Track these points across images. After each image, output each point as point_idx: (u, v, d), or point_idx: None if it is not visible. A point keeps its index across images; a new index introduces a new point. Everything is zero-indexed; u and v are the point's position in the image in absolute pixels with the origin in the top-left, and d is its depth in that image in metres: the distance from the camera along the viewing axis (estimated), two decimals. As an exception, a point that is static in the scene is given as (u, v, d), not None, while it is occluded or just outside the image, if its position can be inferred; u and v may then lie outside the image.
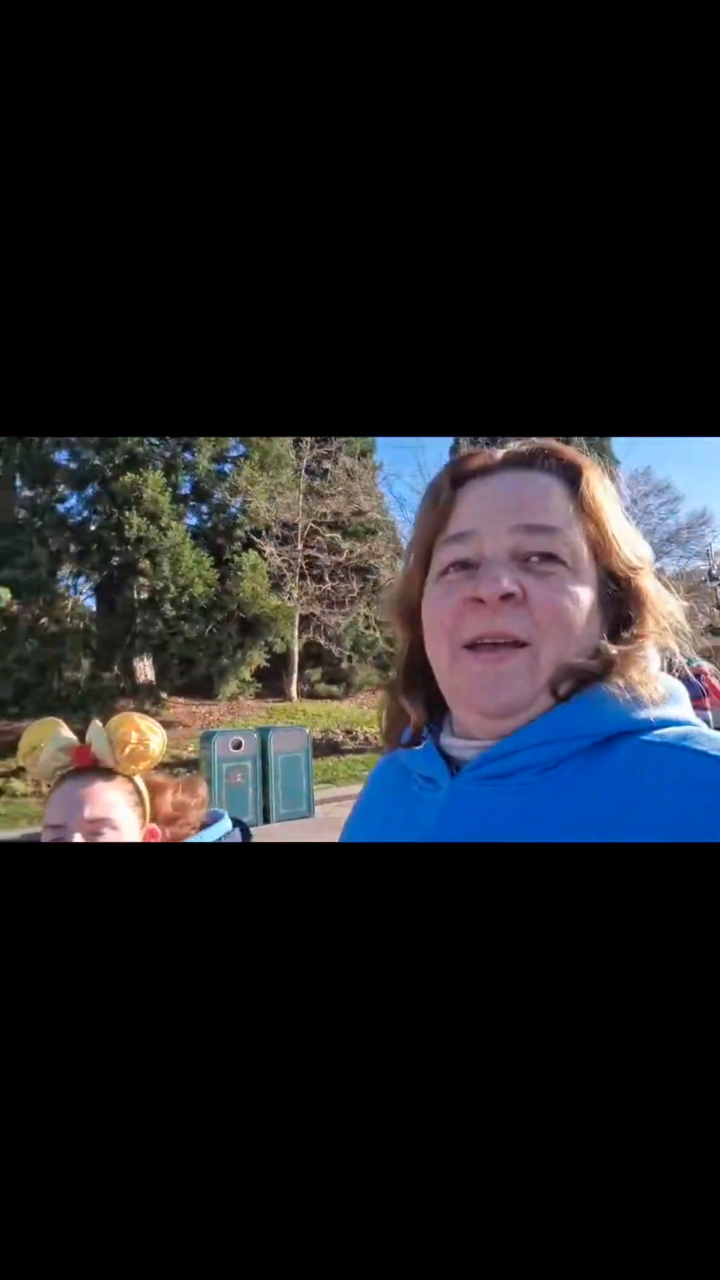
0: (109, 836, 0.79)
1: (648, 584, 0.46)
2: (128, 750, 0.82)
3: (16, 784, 7.76)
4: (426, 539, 0.48)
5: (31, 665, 9.93)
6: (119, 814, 0.81)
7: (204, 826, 0.88)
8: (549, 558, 0.43)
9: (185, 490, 11.63)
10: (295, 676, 11.92)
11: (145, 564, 10.38)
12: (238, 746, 6.70)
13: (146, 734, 0.83)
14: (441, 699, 0.49)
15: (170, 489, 10.79)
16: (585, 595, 0.43)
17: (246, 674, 11.46)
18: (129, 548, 10.29)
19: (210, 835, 0.87)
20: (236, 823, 0.92)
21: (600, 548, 0.44)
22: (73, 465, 10.99)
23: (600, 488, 0.45)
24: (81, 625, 10.78)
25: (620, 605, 0.45)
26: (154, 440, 10.84)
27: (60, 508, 11.09)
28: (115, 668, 10.82)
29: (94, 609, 11.50)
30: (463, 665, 0.43)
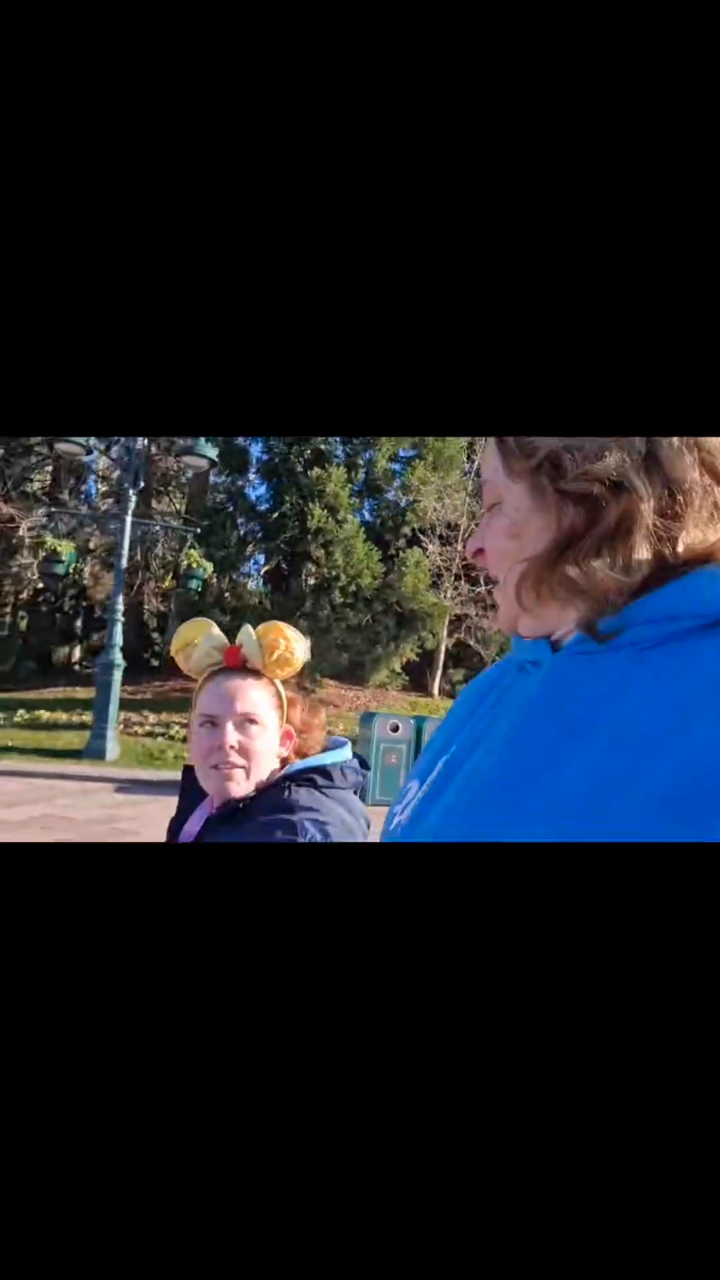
0: (255, 731, 0.89)
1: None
2: (275, 655, 0.90)
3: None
4: None
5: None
6: (264, 712, 0.90)
7: (325, 750, 0.96)
8: (492, 507, 0.47)
9: (359, 487, 12.41)
10: (440, 674, 12.31)
11: (320, 553, 11.28)
12: (395, 730, 7.22)
13: (292, 641, 0.91)
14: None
15: (349, 484, 11.61)
16: (529, 523, 0.44)
17: (396, 665, 12.05)
18: (309, 536, 11.23)
19: (331, 758, 0.93)
20: (357, 756, 0.97)
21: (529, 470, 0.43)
22: (264, 456, 12.17)
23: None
24: (256, 602, 11.92)
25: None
26: (338, 439, 11.71)
27: (250, 494, 12.34)
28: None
29: (267, 589, 12.66)
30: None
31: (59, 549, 8.03)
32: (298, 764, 0.91)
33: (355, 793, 0.93)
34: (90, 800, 6.09)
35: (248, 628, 0.91)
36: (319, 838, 0.82)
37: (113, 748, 8.02)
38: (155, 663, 12.64)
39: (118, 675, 8.07)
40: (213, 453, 8.39)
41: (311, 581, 11.58)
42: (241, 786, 0.87)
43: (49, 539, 8.53)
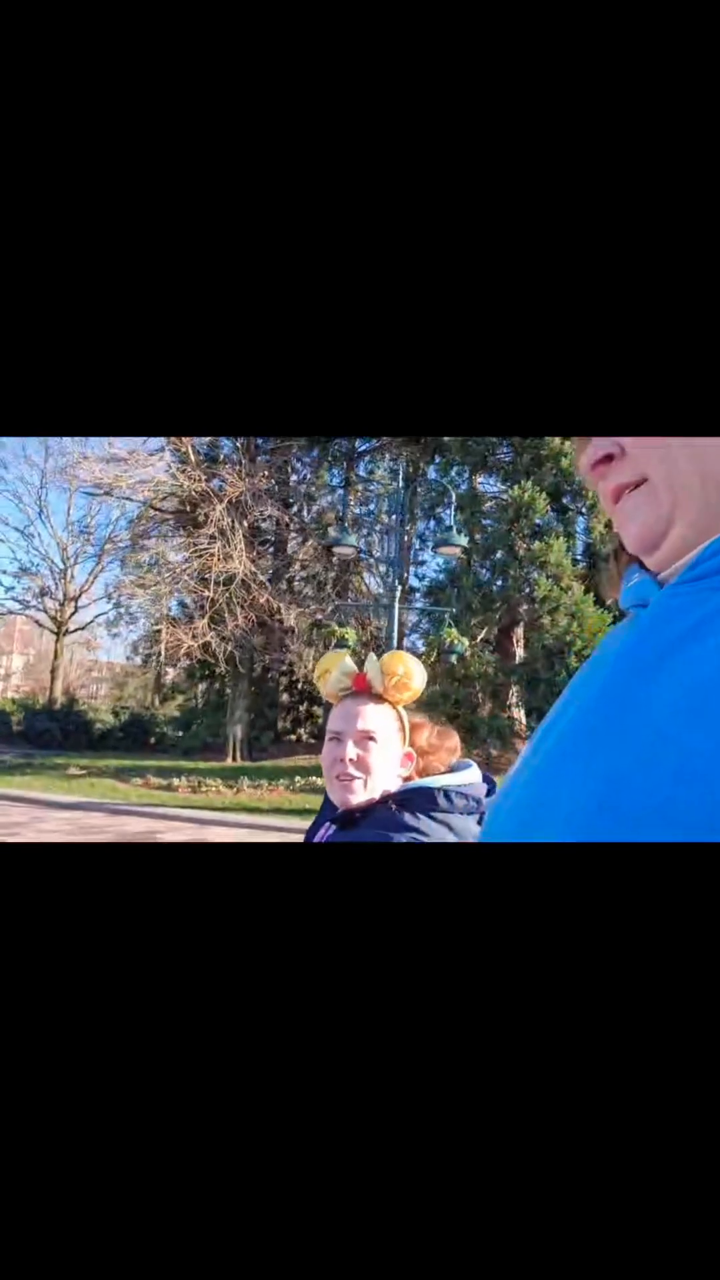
0: (372, 747, 0.97)
1: None
2: (394, 680, 0.98)
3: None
4: None
5: (450, 702, 12.28)
6: (383, 732, 0.98)
7: (451, 770, 1.01)
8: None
9: (578, 553, 13.09)
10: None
11: (547, 619, 12.02)
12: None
13: (411, 669, 0.99)
14: None
15: (569, 553, 12.34)
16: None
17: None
18: (536, 605, 12.07)
19: (441, 781, 0.98)
20: (487, 779, 1.00)
21: None
22: (478, 538, 13.39)
23: None
24: (485, 670, 12.86)
25: None
26: (554, 513, 12.59)
27: (479, 571, 13.56)
28: (510, 708, 12.61)
29: (495, 658, 13.59)
30: (615, 510, 0.44)
31: (346, 635, 9.67)
32: (407, 785, 0.98)
33: (474, 816, 0.97)
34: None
35: (373, 656, 1.02)
36: None
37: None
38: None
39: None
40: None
41: (546, 643, 12.31)
42: (358, 796, 0.96)
43: (335, 627, 10.32)
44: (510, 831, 0.39)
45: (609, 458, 0.42)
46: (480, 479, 13.74)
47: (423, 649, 11.00)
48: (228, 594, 11.72)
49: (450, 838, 0.92)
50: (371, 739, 0.97)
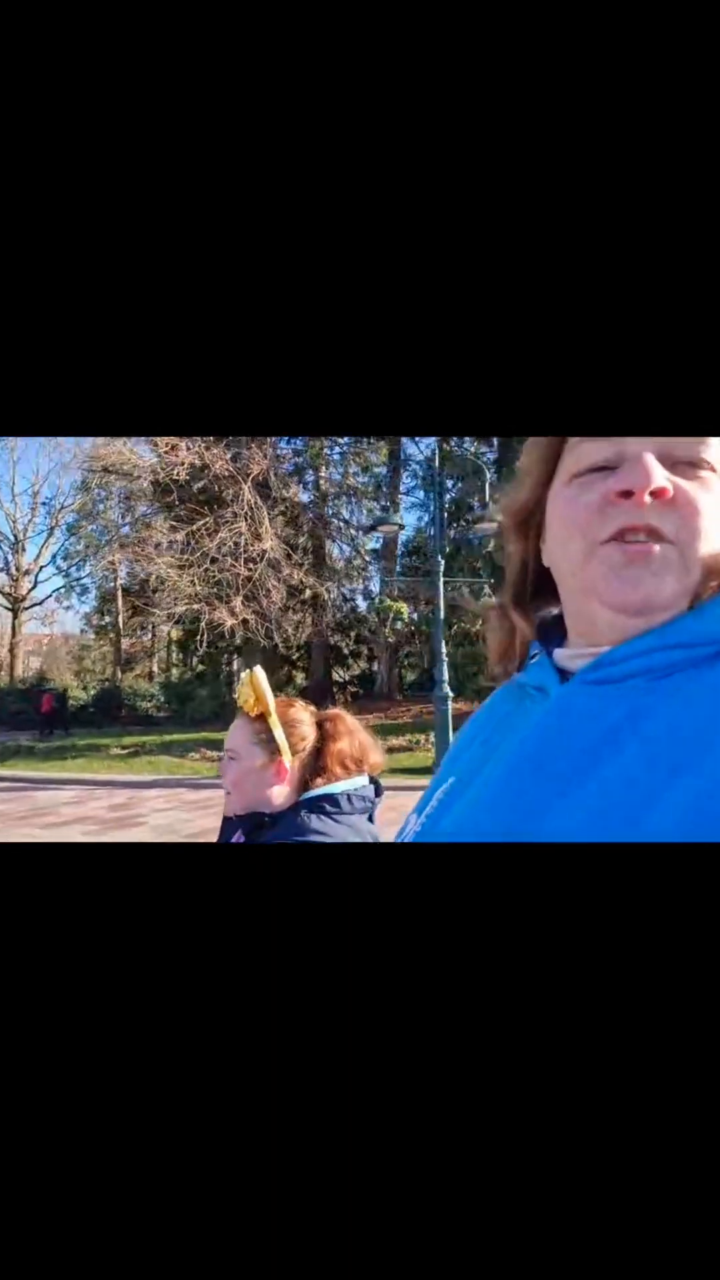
0: (232, 764, 1.04)
1: None
2: (240, 698, 1.05)
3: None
4: (552, 446, 0.45)
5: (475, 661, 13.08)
6: (242, 747, 1.03)
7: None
8: (695, 463, 0.40)
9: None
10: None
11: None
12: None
13: (249, 689, 1.04)
14: (547, 624, 0.50)
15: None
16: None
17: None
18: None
19: (340, 786, 1.01)
20: (373, 781, 1.05)
21: None
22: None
23: None
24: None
25: None
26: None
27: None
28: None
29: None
30: (600, 558, 0.41)
31: (400, 609, 10.24)
32: (310, 793, 1.01)
33: (367, 816, 1.03)
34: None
35: (243, 674, 1.07)
36: None
37: (456, 763, 10.03)
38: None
39: (448, 706, 10.05)
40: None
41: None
42: (230, 808, 1.04)
43: (389, 602, 10.86)
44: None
45: (661, 492, 0.39)
46: (481, 449, 14.28)
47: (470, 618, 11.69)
48: (258, 571, 12.02)
49: (351, 836, 0.98)
50: (232, 756, 1.04)
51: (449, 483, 10.14)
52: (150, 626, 23.68)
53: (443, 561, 10.38)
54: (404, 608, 10.32)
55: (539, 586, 0.51)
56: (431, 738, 10.98)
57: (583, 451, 0.43)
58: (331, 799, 1.00)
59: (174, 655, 23.01)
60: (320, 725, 1.07)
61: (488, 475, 10.54)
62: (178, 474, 11.39)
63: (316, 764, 1.04)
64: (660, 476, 0.40)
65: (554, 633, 0.50)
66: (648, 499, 0.40)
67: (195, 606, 11.64)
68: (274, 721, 1.03)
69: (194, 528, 11.87)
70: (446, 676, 10.12)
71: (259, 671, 1.06)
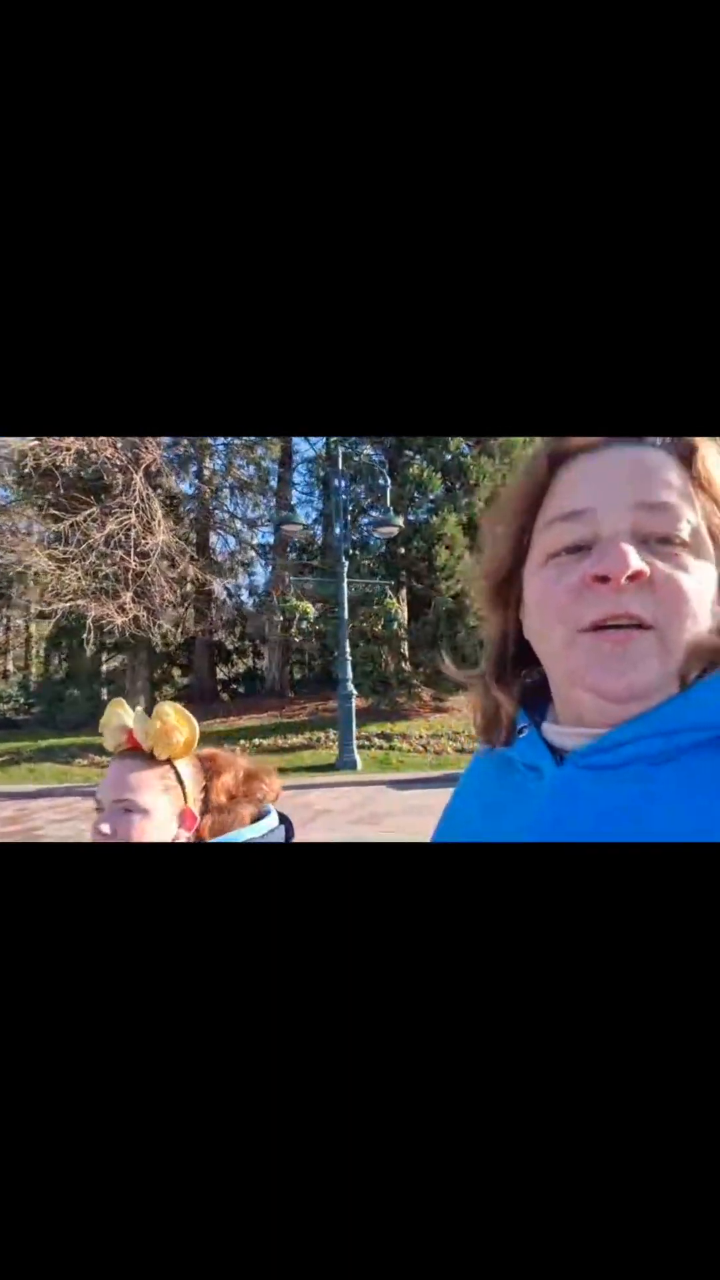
0: (135, 818, 0.85)
1: None
2: (154, 736, 0.88)
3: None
4: (521, 518, 0.46)
5: (373, 662, 13.52)
6: (148, 797, 0.87)
7: (253, 822, 0.91)
8: (669, 539, 0.40)
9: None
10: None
11: (444, 585, 13.67)
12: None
13: (174, 724, 0.88)
14: (533, 689, 0.49)
15: (459, 525, 14.03)
16: (709, 577, 0.41)
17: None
18: (437, 575, 13.62)
19: (247, 833, 0.90)
20: (283, 819, 0.95)
21: (718, 528, 0.41)
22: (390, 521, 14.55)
23: (717, 464, 0.42)
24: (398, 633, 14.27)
25: None
26: (444, 489, 14.14)
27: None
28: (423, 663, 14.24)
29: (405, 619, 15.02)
30: (583, 647, 0.41)
31: (306, 610, 10.30)
32: (220, 838, 0.89)
33: None
34: (344, 797, 8.22)
35: (139, 710, 0.92)
36: None
37: (359, 761, 10.32)
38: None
39: (353, 703, 10.35)
40: (400, 521, 10.75)
41: (447, 607, 13.98)
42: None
43: (293, 601, 10.82)
44: None
45: (638, 575, 0.39)
46: (370, 451, 14.75)
47: (369, 618, 12.02)
48: (148, 566, 11.49)
49: None
50: (129, 809, 0.87)
51: (339, 483, 10.41)
52: (5, 621, 21.66)
53: (346, 562, 10.64)
54: (309, 608, 10.45)
55: (520, 660, 0.50)
56: (331, 734, 11.21)
57: (558, 531, 0.43)
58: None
59: (35, 654, 21.22)
60: (201, 765, 0.96)
61: (385, 479, 10.95)
62: (62, 460, 10.56)
63: (206, 805, 0.93)
64: (635, 560, 0.39)
65: (539, 701, 0.49)
66: (625, 582, 0.40)
67: (80, 602, 10.88)
68: (183, 763, 0.91)
69: (79, 518, 11.07)
70: (350, 675, 10.40)
71: (178, 705, 0.91)
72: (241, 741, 11.61)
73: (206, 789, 0.94)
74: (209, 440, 14.51)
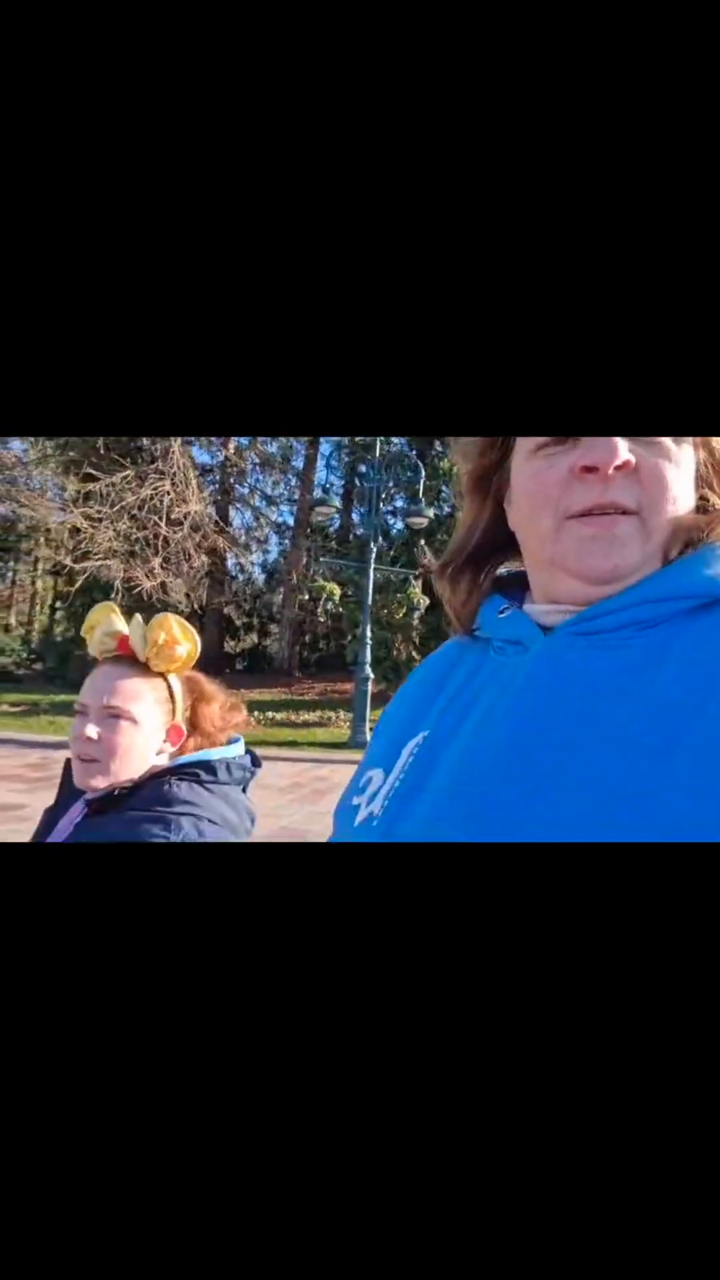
0: (122, 726, 0.85)
1: None
2: (155, 648, 0.87)
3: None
4: None
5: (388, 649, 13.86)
6: (139, 707, 0.86)
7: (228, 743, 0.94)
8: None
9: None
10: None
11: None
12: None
13: (177, 637, 0.88)
14: (506, 580, 0.51)
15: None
16: (688, 460, 0.43)
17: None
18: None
19: (218, 754, 0.91)
20: (249, 752, 0.97)
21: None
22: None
23: None
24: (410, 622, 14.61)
25: None
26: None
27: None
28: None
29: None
30: (570, 533, 0.43)
31: (332, 590, 10.57)
32: (181, 758, 0.90)
33: (242, 789, 0.93)
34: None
35: (138, 618, 0.91)
36: (194, 834, 0.81)
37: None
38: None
39: (368, 686, 10.70)
40: (432, 513, 11.07)
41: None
42: (99, 781, 0.86)
43: (320, 582, 11.10)
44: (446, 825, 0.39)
45: (625, 465, 0.41)
46: (398, 441, 14.97)
47: (392, 606, 12.31)
48: (181, 534, 11.69)
49: (225, 810, 0.87)
50: (118, 716, 0.86)
51: (369, 469, 10.65)
52: (11, 575, 21.57)
53: (374, 548, 10.92)
54: (336, 589, 10.72)
55: (486, 548, 0.52)
56: (342, 714, 11.55)
57: None
58: (208, 765, 0.89)
59: (39, 609, 21.18)
60: (188, 686, 0.96)
61: (419, 468, 11.22)
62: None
63: (190, 727, 0.93)
64: (624, 450, 0.41)
65: (513, 591, 0.51)
66: (612, 472, 0.41)
67: (110, 563, 11.06)
68: (176, 678, 0.92)
69: (114, 479, 11.22)
70: (369, 658, 10.73)
71: (180, 619, 0.91)
72: (255, 713, 11.91)
73: (193, 709, 0.94)
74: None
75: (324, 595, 10.80)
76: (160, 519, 11.51)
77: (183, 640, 0.90)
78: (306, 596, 12.47)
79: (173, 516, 11.62)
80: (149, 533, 11.50)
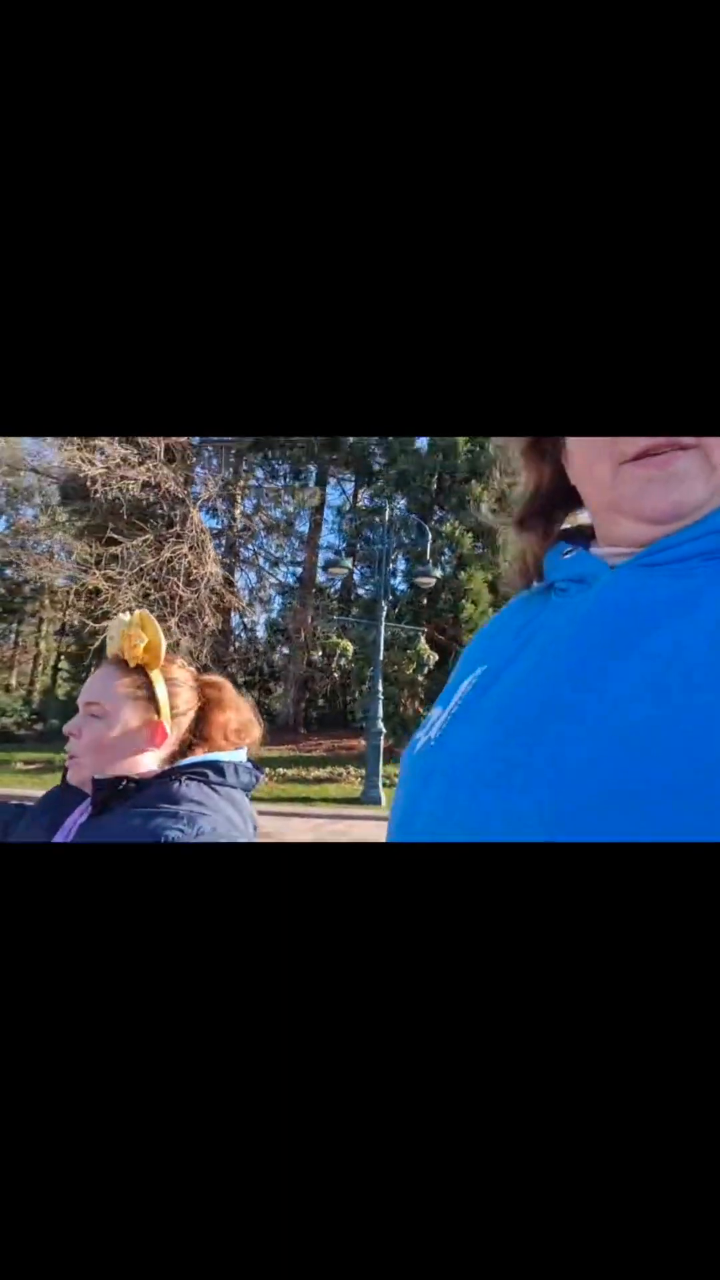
0: (96, 723, 0.86)
1: None
2: (119, 638, 0.90)
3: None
4: None
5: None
6: (110, 703, 0.87)
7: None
8: None
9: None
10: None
11: (467, 638, 14.55)
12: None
13: (139, 632, 0.89)
14: (569, 533, 0.51)
15: (486, 582, 15.03)
16: None
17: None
18: (462, 626, 14.49)
19: (227, 756, 0.90)
20: (250, 761, 0.95)
21: None
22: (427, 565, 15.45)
23: None
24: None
25: None
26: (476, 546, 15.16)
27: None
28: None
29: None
30: (628, 474, 0.42)
31: (345, 646, 10.97)
32: (191, 758, 0.90)
33: (246, 794, 0.93)
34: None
35: (120, 617, 0.93)
36: (203, 830, 0.81)
37: (383, 797, 10.87)
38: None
39: (381, 740, 10.97)
40: (439, 573, 11.63)
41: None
42: (76, 775, 0.88)
43: (333, 639, 11.53)
44: (474, 771, 0.39)
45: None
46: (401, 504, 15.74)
47: (403, 661, 12.70)
48: (197, 595, 12.14)
49: (231, 812, 0.86)
50: (95, 713, 0.88)
51: (373, 533, 11.24)
52: (14, 636, 21.80)
53: (384, 606, 11.41)
54: (349, 645, 11.13)
55: (549, 506, 0.53)
56: (352, 770, 11.75)
57: None
58: (216, 767, 0.89)
59: (41, 670, 21.32)
60: (202, 689, 0.96)
61: (427, 530, 11.85)
62: (129, 489, 11.30)
63: (198, 732, 0.94)
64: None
65: (578, 540, 0.51)
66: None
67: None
68: (157, 676, 0.91)
69: (135, 543, 11.74)
70: (380, 713, 11.04)
71: (148, 614, 0.92)
72: (266, 769, 12.06)
73: (204, 719, 0.94)
74: (246, 483, 15.40)
75: (337, 651, 11.18)
76: (179, 580, 11.97)
77: (139, 633, 0.91)
78: (320, 653, 12.83)
79: (190, 578, 12.10)
80: (165, 593, 11.94)
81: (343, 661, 11.01)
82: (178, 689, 0.93)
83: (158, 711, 0.90)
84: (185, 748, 0.93)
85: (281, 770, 12.12)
